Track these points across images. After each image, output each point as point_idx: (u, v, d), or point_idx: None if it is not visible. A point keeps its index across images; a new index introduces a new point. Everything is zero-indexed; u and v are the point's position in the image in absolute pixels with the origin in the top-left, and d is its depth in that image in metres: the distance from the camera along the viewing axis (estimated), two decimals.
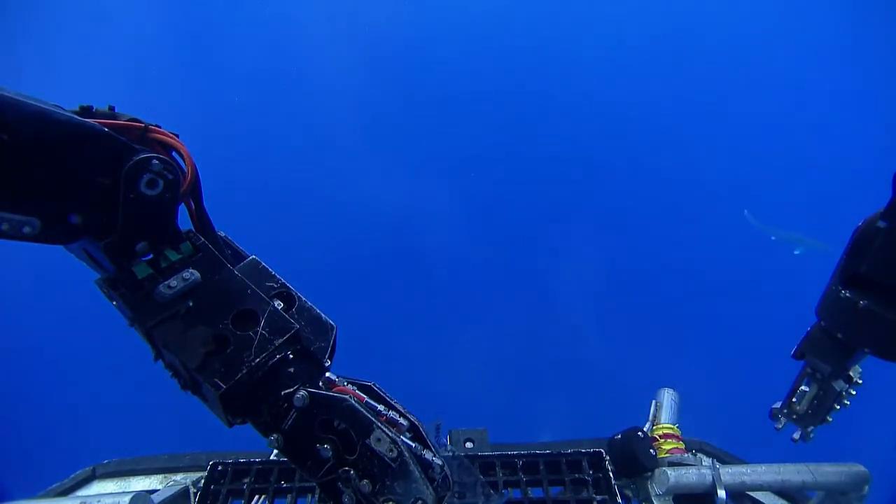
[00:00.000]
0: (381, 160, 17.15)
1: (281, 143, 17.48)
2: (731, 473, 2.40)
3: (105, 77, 15.64)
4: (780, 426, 2.15)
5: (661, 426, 2.81)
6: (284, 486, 2.47)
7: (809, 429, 2.08)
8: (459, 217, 16.49)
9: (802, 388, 2.05)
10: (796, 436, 2.12)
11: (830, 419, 2.04)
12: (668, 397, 3.00)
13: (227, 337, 1.25)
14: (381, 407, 1.34)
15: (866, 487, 2.44)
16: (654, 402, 2.98)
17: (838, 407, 2.02)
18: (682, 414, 2.94)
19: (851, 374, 1.95)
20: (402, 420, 1.34)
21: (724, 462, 2.69)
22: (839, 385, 1.93)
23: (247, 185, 16.20)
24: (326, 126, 17.74)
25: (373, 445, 1.21)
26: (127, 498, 2.13)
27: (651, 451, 2.50)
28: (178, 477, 2.70)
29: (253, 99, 17.41)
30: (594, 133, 17.29)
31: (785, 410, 2.12)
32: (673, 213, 16.28)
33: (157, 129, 1.25)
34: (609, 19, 17.58)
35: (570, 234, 16.25)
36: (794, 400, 2.08)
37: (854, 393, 1.99)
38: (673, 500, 2.40)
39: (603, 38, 17.57)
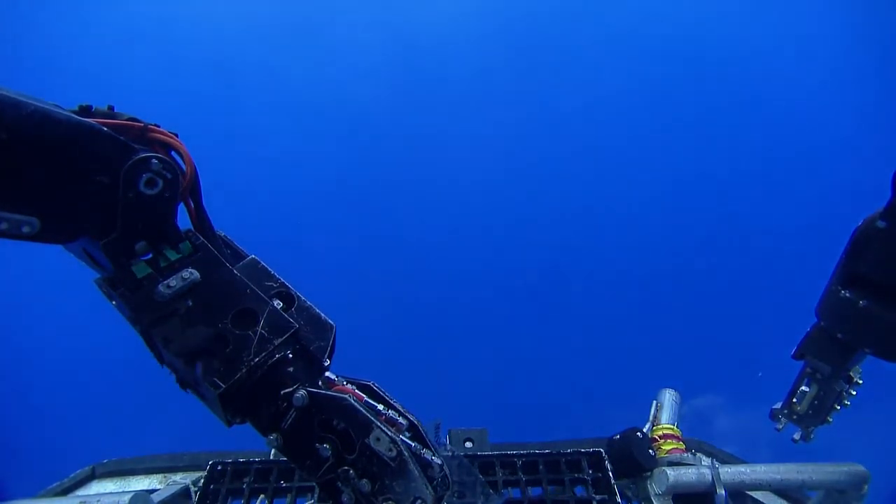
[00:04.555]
0: (379, 161, 17.15)
1: (282, 142, 17.49)
2: (731, 473, 2.40)
3: (104, 77, 15.64)
4: (781, 426, 2.15)
5: (661, 426, 2.80)
6: (284, 485, 2.48)
7: (810, 429, 2.08)
8: (459, 217, 16.49)
9: (803, 388, 2.05)
10: (797, 436, 2.12)
11: (831, 419, 2.04)
12: (668, 398, 2.99)
13: (227, 336, 1.25)
14: (380, 406, 1.34)
15: (866, 487, 2.44)
16: (654, 402, 2.97)
17: (838, 407, 2.02)
18: (683, 413, 2.93)
19: (851, 374, 1.94)
20: (401, 419, 1.34)
21: (723, 461, 2.69)
22: (839, 385, 1.93)
23: (247, 186, 16.19)
24: (328, 126, 17.75)
25: (372, 445, 1.21)
26: (127, 497, 2.13)
27: (650, 451, 2.50)
28: (178, 476, 2.70)
29: (254, 98, 17.40)
30: (589, 136, 17.25)
31: (785, 411, 2.12)
32: (674, 213, 16.27)
33: (156, 128, 1.25)
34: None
35: (572, 234, 16.25)
36: (794, 400, 2.08)
37: (854, 393, 1.99)
38: (672, 499, 2.40)
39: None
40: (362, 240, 16.05)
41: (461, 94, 17.58)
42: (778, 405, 2.15)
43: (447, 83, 17.65)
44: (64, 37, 15.57)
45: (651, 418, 2.88)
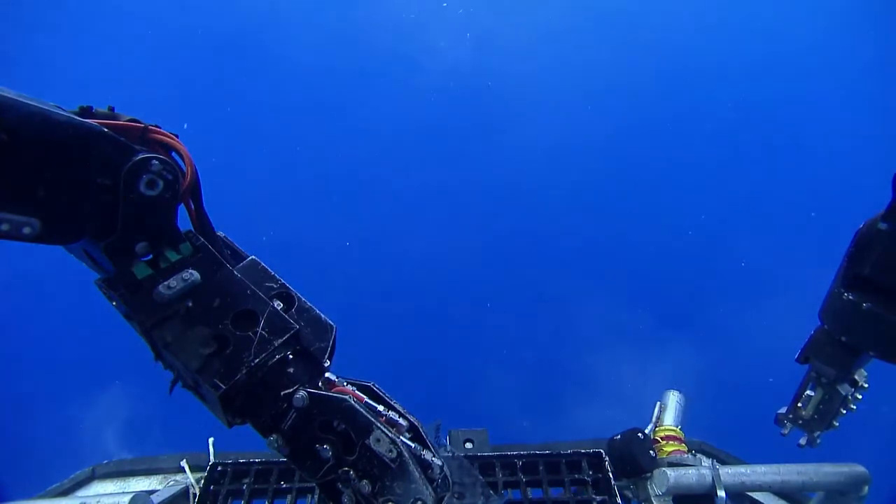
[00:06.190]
0: (378, 162, 17.15)
1: (282, 142, 17.49)
2: (731, 474, 2.39)
3: (105, 77, 15.65)
4: (787, 431, 2.13)
5: (663, 428, 2.78)
6: (284, 486, 2.47)
7: (816, 434, 2.05)
8: (459, 217, 16.48)
9: (808, 392, 2.02)
10: (803, 441, 2.09)
11: (837, 424, 2.01)
12: (673, 399, 2.96)
13: (227, 337, 1.25)
14: (380, 407, 1.34)
15: (866, 488, 2.43)
16: (658, 403, 2.94)
17: (844, 412, 1.98)
18: (686, 416, 2.91)
19: (857, 377, 1.92)
20: (401, 420, 1.34)
21: (723, 462, 2.69)
22: (844, 389, 1.91)
23: (247, 186, 16.19)
24: (328, 126, 17.75)
25: (372, 446, 1.21)
26: (126, 498, 2.13)
27: (651, 452, 2.49)
28: (178, 477, 2.70)
29: (256, 99, 17.41)
30: (590, 138, 17.23)
31: (791, 416, 2.09)
32: (677, 214, 16.26)
33: (156, 129, 1.25)
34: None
35: (571, 235, 16.23)
36: (799, 405, 2.06)
37: (860, 397, 1.95)
38: (673, 500, 2.39)
39: None
40: (362, 240, 16.04)
41: (458, 96, 17.60)
42: (783, 410, 2.13)
43: (446, 90, 17.67)
44: (63, 36, 15.57)
45: (654, 419, 2.86)
